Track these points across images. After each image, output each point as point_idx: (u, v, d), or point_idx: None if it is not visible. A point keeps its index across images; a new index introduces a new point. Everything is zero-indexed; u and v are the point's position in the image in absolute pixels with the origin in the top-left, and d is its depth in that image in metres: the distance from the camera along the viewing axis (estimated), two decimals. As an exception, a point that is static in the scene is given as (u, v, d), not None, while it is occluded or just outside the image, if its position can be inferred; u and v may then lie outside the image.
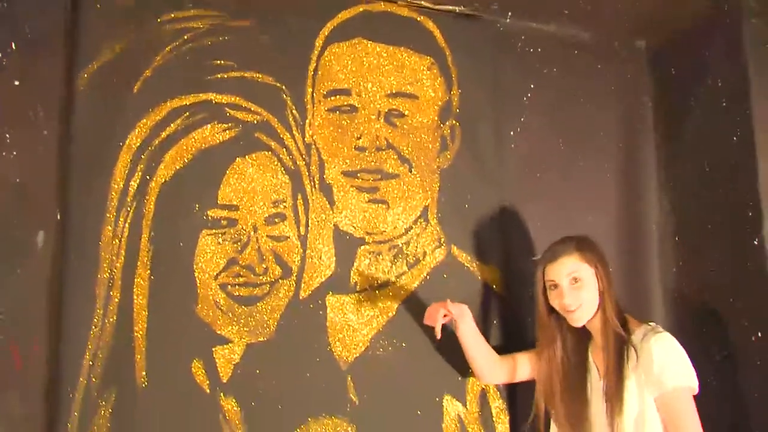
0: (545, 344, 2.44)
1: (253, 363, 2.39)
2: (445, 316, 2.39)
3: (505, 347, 2.59)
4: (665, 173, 2.92)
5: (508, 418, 2.57)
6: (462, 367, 2.55)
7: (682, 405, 2.19)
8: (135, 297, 2.35)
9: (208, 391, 2.35)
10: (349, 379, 2.45)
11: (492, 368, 2.49)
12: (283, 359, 2.41)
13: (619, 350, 2.27)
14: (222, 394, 2.36)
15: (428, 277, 2.57)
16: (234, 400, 2.36)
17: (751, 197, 2.51)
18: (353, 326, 2.47)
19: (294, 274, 2.44)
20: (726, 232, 2.63)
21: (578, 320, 2.33)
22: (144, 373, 2.31)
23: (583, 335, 2.39)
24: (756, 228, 2.51)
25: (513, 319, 2.65)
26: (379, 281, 2.50)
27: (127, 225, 2.36)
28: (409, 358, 2.50)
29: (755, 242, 2.52)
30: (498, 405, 2.57)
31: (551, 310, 2.38)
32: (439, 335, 2.37)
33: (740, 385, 2.57)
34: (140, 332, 2.34)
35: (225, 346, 2.38)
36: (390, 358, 2.49)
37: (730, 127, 2.61)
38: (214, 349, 2.37)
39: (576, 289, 2.30)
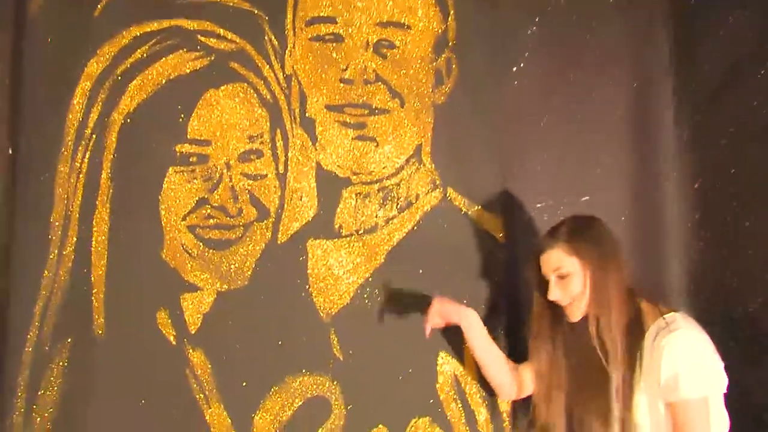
0: (541, 339, 2.22)
1: (224, 313, 2.17)
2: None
3: (507, 303, 2.31)
4: (684, 121, 2.59)
5: (509, 378, 2.26)
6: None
7: (692, 417, 1.96)
8: (94, 239, 2.13)
9: (174, 343, 2.12)
10: (332, 332, 2.20)
11: (510, 385, 2.29)
12: (259, 310, 2.17)
13: (630, 347, 2.05)
14: (189, 346, 2.12)
15: (421, 222, 2.33)
16: (203, 354, 2.12)
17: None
18: (337, 275, 2.22)
19: (271, 217, 2.20)
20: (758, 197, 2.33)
21: (573, 316, 2.12)
22: (102, 322, 2.08)
23: (585, 327, 2.14)
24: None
25: (516, 271, 2.35)
26: (366, 226, 2.26)
27: (85, 160, 2.13)
28: (400, 310, 2.21)
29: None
30: (498, 364, 2.27)
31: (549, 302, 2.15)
32: (428, 334, 2.23)
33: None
34: (99, 277, 2.12)
35: (193, 293, 2.14)
36: (377, 311, 2.20)
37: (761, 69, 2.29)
38: (181, 297, 2.16)
39: (563, 284, 2.09)
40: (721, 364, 1.99)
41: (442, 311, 2.22)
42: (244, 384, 2.20)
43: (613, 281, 2.06)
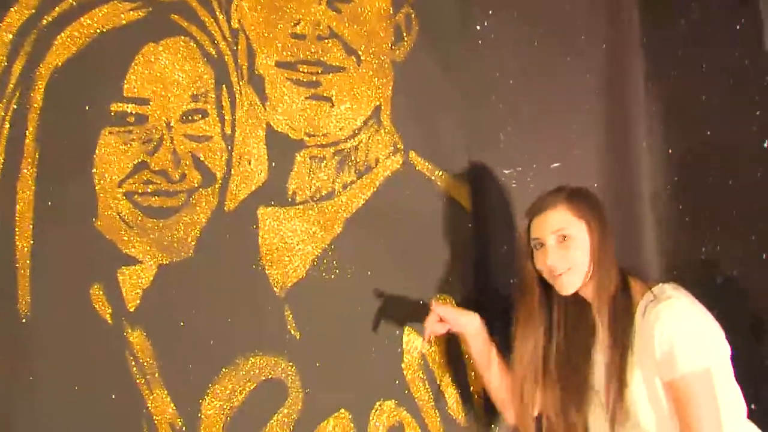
0: (530, 318, 2.07)
1: (167, 288, 1.96)
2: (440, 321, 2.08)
3: (475, 275, 2.14)
4: (654, 79, 2.44)
5: (480, 356, 2.07)
6: (425, 294, 2.06)
7: (694, 391, 1.81)
8: (17, 206, 1.86)
9: (110, 321, 1.88)
10: (287, 308, 1.97)
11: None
12: (205, 284, 1.96)
13: (622, 324, 1.93)
14: (128, 325, 1.89)
15: (381, 188, 2.14)
16: (143, 334, 1.89)
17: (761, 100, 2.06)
18: (291, 245, 2.02)
19: (218, 182, 2.00)
20: (731, 146, 2.22)
21: (566, 286, 1.97)
22: (28, 301, 1.80)
23: (584, 303, 2.04)
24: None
25: (483, 240, 2.18)
26: (322, 192, 2.06)
27: (7, 119, 1.91)
28: (360, 285, 2.07)
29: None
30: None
31: (540, 276, 2.03)
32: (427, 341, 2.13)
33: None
34: (23, 250, 1.85)
35: (132, 267, 1.92)
36: (336, 285, 2.06)
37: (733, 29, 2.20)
38: (118, 272, 1.92)
39: (564, 248, 1.95)
40: (721, 332, 1.83)
41: (445, 317, 2.06)
42: (189, 366, 1.97)
43: (610, 253, 1.95)
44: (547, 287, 2.04)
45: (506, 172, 2.36)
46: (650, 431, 1.92)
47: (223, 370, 2.03)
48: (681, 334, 1.84)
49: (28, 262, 1.93)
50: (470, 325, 2.10)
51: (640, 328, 1.90)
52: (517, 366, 2.07)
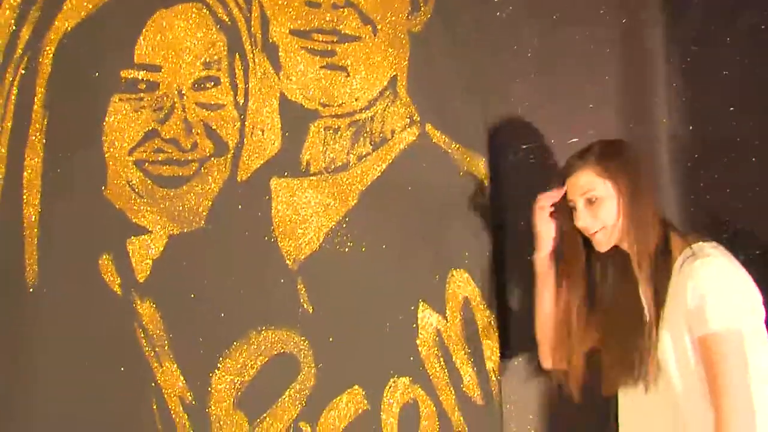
0: (572, 273, 2.05)
1: (177, 259, 1.91)
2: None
3: (492, 251, 2.17)
4: (675, 54, 2.38)
5: (497, 334, 2.01)
6: (440, 270, 2.00)
7: (723, 351, 1.78)
8: (25, 174, 1.80)
9: (119, 292, 1.82)
10: (300, 282, 1.91)
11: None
12: (216, 256, 1.91)
13: (660, 281, 1.91)
14: (137, 297, 1.83)
15: (397, 160, 2.05)
16: (153, 305, 1.84)
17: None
18: (304, 217, 1.96)
19: (230, 152, 1.93)
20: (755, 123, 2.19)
21: (600, 244, 1.98)
22: (35, 270, 1.75)
23: (626, 257, 2.00)
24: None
25: (500, 215, 2.11)
26: (336, 163, 2.00)
27: (15, 85, 1.86)
28: (375, 259, 2.01)
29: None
30: (485, 318, 2.03)
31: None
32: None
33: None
34: (31, 218, 1.80)
35: (141, 237, 1.86)
36: (350, 258, 2.00)
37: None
38: (127, 241, 1.86)
39: (592, 209, 1.95)
40: (758, 296, 1.79)
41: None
42: (200, 339, 1.91)
43: (647, 208, 1.93)
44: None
45: (524, 146, 2.30)
46: (678, 390, 1.88)
47: (235, 343, 1.97)
48: (714, 291, 1.81)
49: (35, 230, 1.88)
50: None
51: (673, 283, 1.88)
52: (562, 312, 2.06)
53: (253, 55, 2.07)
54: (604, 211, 1.94)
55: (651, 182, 2.01)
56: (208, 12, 2.05)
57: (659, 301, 1.90)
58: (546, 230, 2.06)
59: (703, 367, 1.81)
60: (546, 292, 2.07)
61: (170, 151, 1.98)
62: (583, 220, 1.96)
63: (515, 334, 2.20)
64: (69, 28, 1.96)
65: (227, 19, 2.06)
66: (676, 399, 1.89)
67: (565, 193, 2.01)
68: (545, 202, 2.06)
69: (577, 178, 1.97)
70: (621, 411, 2.05)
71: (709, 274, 1.82)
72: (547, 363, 2.11)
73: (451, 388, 2.11)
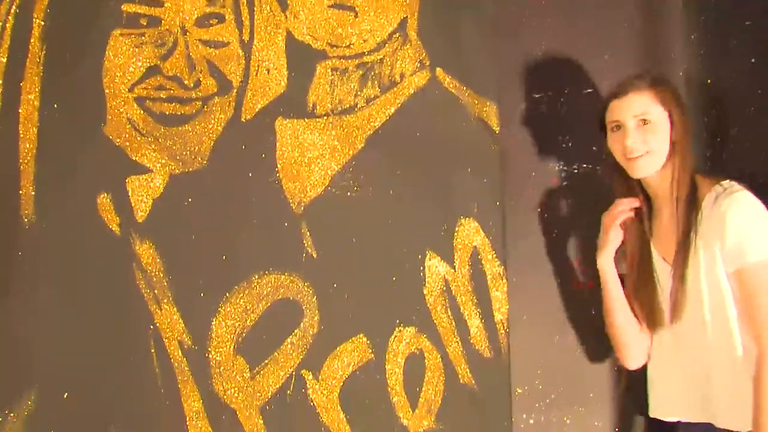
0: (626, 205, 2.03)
1: (178, 199, 1.85)
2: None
3: (503, 199, 2.10)
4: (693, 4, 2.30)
5: (506, 285, 1.94)
6: (449, 218, 1.92)
7: (761, 281, 1.80)
8: (21, 109, 1.73)
9: (118, 232, 1.74)
10: (304, 226, 1.83)
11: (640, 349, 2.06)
12: (219, 197, 1.84)
13: (690, 219, 1.90)
14: (137, 237, 1.74)
15: (406, 104, 1.97)
16: (152, 246, 1.76)
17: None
18: (310, 159, 1.88)
19: (234, 90, 1.87)
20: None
21: (642, 168, 1.94)
22: (32, 204, 1.68)
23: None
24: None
25: (511, 164, 2.03)
26: (343, 105, 1.93)
27: (11, 15, 1.77)
28: (381, 205, 1.95)
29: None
30: (495, 269, 1.95)
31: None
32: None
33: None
34: (28, 155, 1.72)
35: (141, 176, 1.80)
36: (356, 204, 1.92)
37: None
38: (127, 180, 1.76)
39: (644, 131, 1.92)
40: None
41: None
42: (200, 282, 1.84)
43: (689, 145, 1.94)
44: None
45: (536, 96, 2.21)
46: (706, 325, 1.88)
47: (236, 287, 1.90)
48: (752, 223, 1.82)
49: (32, 166, 1.81)
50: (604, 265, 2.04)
51: (707, 217, 1.87)
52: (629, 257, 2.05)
53: (259, -8, 1.99)
54: (656, 137, 1.91)
55: (690, 123, 1.98)
56: (213, -54, 1.97)
57: (689, 240, 1.89)
58: (616, 234, 2.03)
59: (741, 298, 1.82)
60: (617, 292, 2.04)
61: (172, 88, 1.91)
62: (633, 139, 1.91)
63: (524, 285, 2.11)
64: (68, -41, 1.88)
65: (233, -46, 1.98)
66: (703, 335, 1.88)
67: (606, 115, 1.98)
68: (624, 207, 2.02)
69: (632, 99, 1.93)
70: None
71: (747, 207, 1.83)
72: (634, 362, 2.07)
73: (458, 340, 2.04)
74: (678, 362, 1.96)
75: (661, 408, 2.02)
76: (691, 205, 1.90)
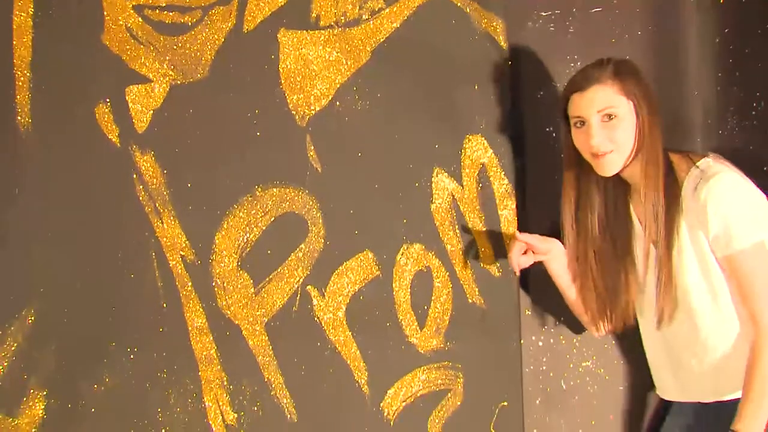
0: (574, 199, 1.93)
1: (179, 110, 1.79)
2: (525, 253, 1.93)
3: (509, 119, 2.03)
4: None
5: (514, 203, 1.88)
6: (456, 133, 1.87)
7: (751, 265, 1.73)
8: (14, 13, 1.65)
9: (117, 143, 1.66)
10: (308, 139, 1.76)
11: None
12: (220, 108, 1.79)
13: (671, 211, 1.81)
14: (137, 148, 1.67)
15: (412, 17, 1.91)
16: (153, 158, 1.68)
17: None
18: (314, 72, 1.82)
19: (236, 0, 1.74)
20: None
21: (608, 167, 1.82)
22: (28, 112, 1.61)
23: (622, 184, 1.92)
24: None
25: (519, 82, 1.97)
26: (348, 17, 1.87)
27: None
28: (388, 120, 1.89)
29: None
30: (503, 187, 1.89)
31: (578, 154, 1.87)
32: (517, 272, 1.97)
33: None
34: (22, 63, 1.64)
35: (141, 86, 1.71)
36: (361, 118, 1.87)
37: None
38: (126, 90, 1.68)
39: (609, 127, 1.78)
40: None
41: (530, 243, 1.92)
42: (202, 196, 1.77)
43: (659, 134, 1.82)
44: (586, 166, 1.89)
45: (544, 14, 2.14)
46: (701, 314, 1.83)
47: (239, 200, 1.83)
48: (734, 209, 1.74)
49: (27, 73, 1.75)
50: (556, 250, 1.95)
51: (689, 206, 1.79)
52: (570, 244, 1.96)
53: None
54: (622, 132, 1.79)
55: (658, 106, 1.85)
56: None
57: (669, 229, 1.81)
58: (527, 260, 1.97)
59: (734, 283, 1.76)
60: (571, 288, 2.00)
61: (171, -4, 1.84)
62: (597, 138, 1.79)
63: (533, 203, 2.05)
64: None
65: None
66: (694, 320, 1.85)
67: (567, 109, 1.85)
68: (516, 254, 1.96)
69: (594, 93, 1.79)
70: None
71: (726, 193, 1.74)
72: (600, 329, 2.02)
73: (467, 258, 1.98)
74: (663, 345, 1.94)
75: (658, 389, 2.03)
76: (672, 202, 1.81)
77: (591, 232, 1.94)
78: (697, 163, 1.81)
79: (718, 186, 1.75)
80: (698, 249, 1.81)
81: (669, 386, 1.97)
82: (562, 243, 1.97)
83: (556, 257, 1.96)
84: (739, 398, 1.75)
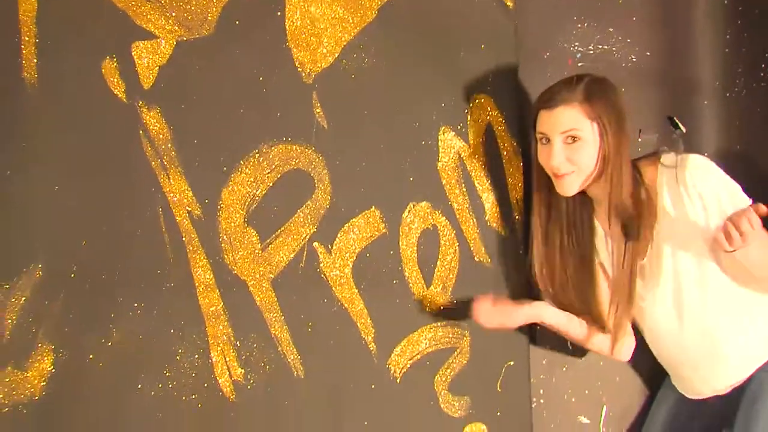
0: (544, 213, 1.94)
1: (186, 67, 1.78)
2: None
3: (516, 77, 2.04)
4: None
5: (520, 161, 1.87)
6: (464, 91, 1.85)
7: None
8: None
9: (124, 99, 1.65)
10: (315, 96, 1.75)
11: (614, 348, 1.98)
12: (226, 64, 1.79)
13: (649, 220, 1.84)
14: (144, 104, 1.66)
15: (419, -25, 1.88)
16: (159, 114, 1.67)
17: None
18: (320, 29, 1.82)
19: (241, -45, 1.75)
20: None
21: (567, 188, 1.83)
22: (34, 67, 1.59)
23: (588, 199, 1.93)
24: None
25: (526, 41, 1.95)
26: (354, -26, 1.82)
27: None
28: (395, 77, 1.88)
29: None
30: (510, 147, 1.89)
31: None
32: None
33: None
34: (28, 18, 1.62)
35: (147, 42, 1.70)
36: (368, 75, 1.85)
37: None
38: (132, 46, 1.67)
39: (571, 149, 1.78)
40: None
41: (501, 315, 1.89)
42: (209, 152, 1.77)
43: (626, 156, 1.81)
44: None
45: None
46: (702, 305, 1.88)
47: (246, 157, 1.82)
48: (719, 183, 1.79)
49: (33, 28, 1.73)
50: (539, 316, 1.94)
51: (677, 198, 1.82)
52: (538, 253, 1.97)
53: None
54: (584, 155, 1.79)
55: (628, 124, 1.85)
56: None
57: (641, 247, 1.84)
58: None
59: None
60: (566, 326, 2.01)
61: (176, -50, 1.82)
62: (557, 159, 1.79)
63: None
64: None
65: None
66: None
67: (536, 124, 1.85)
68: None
69: (560, 113, 1.79)
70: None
71: (706, 171, 1.80)
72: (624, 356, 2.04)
73: (473, 217, 1.97)
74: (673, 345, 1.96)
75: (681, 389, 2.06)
76: (648, 213, 1.84)
77: (560, 246, 1.94)
78: (662, 161, 1.85)
79: (696, 170, 1.80)
80: (693, 241, 1.82)
81: (693, 383, 1.97)
82: (531, 254, 1.95)
83: (544, 319, 1.94)
84: None
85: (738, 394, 1.88)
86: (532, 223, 1.95)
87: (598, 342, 1.95)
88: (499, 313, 1.85)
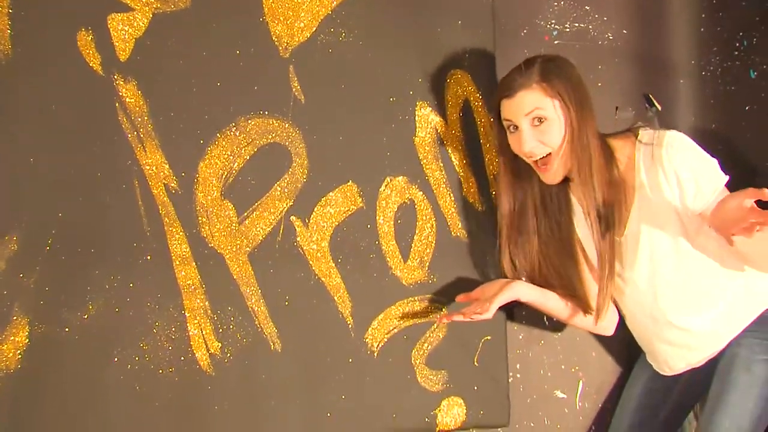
0: (513, 197, 1.94)
1: (162, 39, 1.80)
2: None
3: (495, 52, 2.03)
4: None
5: (497, 138, 1.86)
6: (440, 68, 1.86)
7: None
8: None
9: (100, 71, 1.64)
10: (292, 70, 1.74)
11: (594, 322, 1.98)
12: (202, 37, 1.84)
13: (611, 194, 1.83)
14: (120, 77, 1.65)
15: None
16: (136, 86, 1.66)
17: None
18: (297, 3, 1.82)
19: (217, -72, 1.74)
20: None
21: (550, 177, 1.84)
22: (7, 38, 1.59)
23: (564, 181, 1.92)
24: None
25: (503, 17, 1.95)
26: (332, -52, 1.81)
27: None
28: (372, 52, 1.89)
29: None
30: (486, 123, 1.89)
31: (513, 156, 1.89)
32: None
33: None
34: None
35: (123, 14, 1.68)
36: (345, 49, 1.87)
37: None
38: (108, 18, 1.65)
39: (540, 131, 1.79)
40: None
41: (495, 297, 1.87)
42: (186, 125, 1.76)
43: (591, 128, 1.81)
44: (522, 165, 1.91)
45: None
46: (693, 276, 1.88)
47: (222, 130, 1.82)
48: (696, 159, 1.81)
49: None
50: (517, 294, 1.92)
51: (654, 176, 1.82)
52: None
53: None
54: (551, 134, 1.79)
55: (590, 100, 1.85)
56: None
57: (617, 222, 1.84)
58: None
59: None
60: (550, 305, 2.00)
61: (152, -77, 1.81)
62: (529, 143, 1.80)
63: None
64: None
65: None
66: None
67: (500, 118, 1.86)
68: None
69: (521, 98, 1.79)
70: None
71: (684, 148, 1.80)
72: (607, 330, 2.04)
73: (450, 192, 1.98)
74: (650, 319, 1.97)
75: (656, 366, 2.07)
76: (617, 189, 1.85)
77: (537, 231, 1.95)
78: (639, 138, 1.85)
79: (673, 147, 1.80)
80: (664, 213, 1.84)
81: (668, 359, 1.98)
82: (499, 250, 1.96)
83: (519, 293, 1.93)
84: None
85: (711, 366, 1.89)
86: (498, 216, 1.95)
87: (581, 317, 1.95)
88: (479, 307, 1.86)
